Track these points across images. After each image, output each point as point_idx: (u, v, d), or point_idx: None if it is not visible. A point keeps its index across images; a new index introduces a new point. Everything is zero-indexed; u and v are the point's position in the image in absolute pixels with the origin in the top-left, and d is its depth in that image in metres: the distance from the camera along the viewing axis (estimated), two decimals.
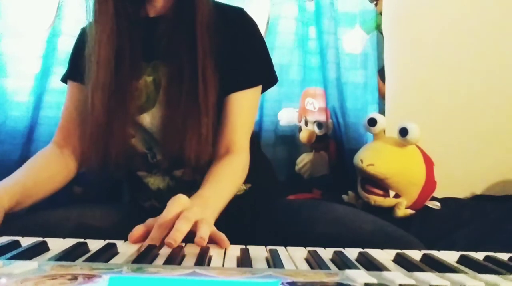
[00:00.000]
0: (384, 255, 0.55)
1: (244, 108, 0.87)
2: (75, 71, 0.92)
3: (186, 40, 0.83)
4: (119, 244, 0.56)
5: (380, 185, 1.29)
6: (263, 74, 0.92)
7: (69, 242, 0.55)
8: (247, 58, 0.88)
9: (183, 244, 0.57)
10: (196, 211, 0.60)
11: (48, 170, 0.85)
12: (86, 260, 0.47)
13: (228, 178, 0.79)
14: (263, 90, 0.93)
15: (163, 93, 0.85)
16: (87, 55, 0.84)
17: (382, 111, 1.48)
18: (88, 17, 0.85)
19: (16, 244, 0.53)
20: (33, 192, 0.79)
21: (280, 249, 0.55)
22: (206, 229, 0.57)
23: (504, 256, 0.54)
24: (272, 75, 0.93)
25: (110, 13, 0.82)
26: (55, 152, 0.89)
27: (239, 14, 0.91)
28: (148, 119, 0.86)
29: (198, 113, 0.81)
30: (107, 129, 0.83)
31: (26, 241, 0.55)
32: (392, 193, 1.30)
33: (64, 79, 0.96)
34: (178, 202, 0.61)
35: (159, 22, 0.86)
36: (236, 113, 0.86)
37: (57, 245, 0.54)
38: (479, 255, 0.54)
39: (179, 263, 0.49)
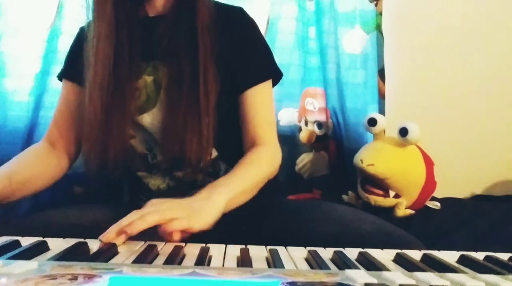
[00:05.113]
0: (384, 255, 0.55)
1: (260, 103, 0.87)
2: (71, 70, 0.92)
3: (186, 40, 0.83)
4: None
5: (380, 185, 1.29)
6: (271, 68, 0.93)
7: (69, 242, 0.55)
8: (251, 55, 0.89)
9: (183, 244, 0.57)
10: (161, 205, 0.62)
11: (38, 166, 0.85)
12: (86, 260, 0.47)
13: (245, 165, 0.79)
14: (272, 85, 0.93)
15: (164, 94, 0.85)
16: (86, 54, 0.84)
17: (382, 111, 1.48)
18: (88, 15, 0.85)
19: (16, 244, 0.53)
20: (20, 188, 0.79)
21: (280, 249, 0.55)
22: (147, 219, 0.58)
23: (504, 256, 0.54)
24: (277, 70, 0.94)
25: (109, 11, 0.82)
26: (46, 149, 0.90)
27: (239, 13, 0.92)
28: (148, 119, 0.86)
29: (199, 114, 0.81)
30: (106, 129, 0.83)
31: (26, 241, 0.55)
32: (392, 193, 1.30)
33: (60, 77, 0.96)
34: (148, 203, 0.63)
35: (158, 21, 0.86)
36: (254, 109, 0.87)
37: (57, 245, 0.54)
38: (479, 255, 0.54)
39: (179, 263, 0.49)
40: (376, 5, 1.49)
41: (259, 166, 0.81)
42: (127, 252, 0.54)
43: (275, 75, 0.93)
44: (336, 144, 1.50)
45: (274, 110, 0.93)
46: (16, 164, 0.83)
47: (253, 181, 0.77)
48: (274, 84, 0.94)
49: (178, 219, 0.60)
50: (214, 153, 0.87)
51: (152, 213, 0.59)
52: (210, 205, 0.66)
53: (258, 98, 0.88)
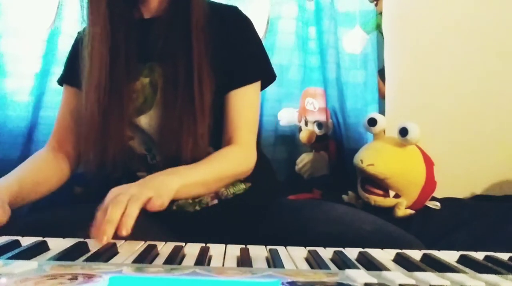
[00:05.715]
0: (384, 255, 0.55)
1: (243, 105, 0.87)
2: (70, 75, 0.92)
3: (181, 41, 0.83)
4: (119, 244, 0.56)
5: (380, 185, 1.29)
6: (261, 70, 0.92)
7: (69, 242, 0.55)
8: (243, 55, 0.88)
9: (183, 244, 0.57)
10: (129, 191, 0.62)
11: (44, 172, 0.85)
12: (86, 260, 0.47)
13: (210, 159, 0.80)
14: (263, 87, 0.93)
15: (160, 95, 0.85)
16: (82, 57, 0.84)
17: (382, 111, 1.48)
18: (83, 18, 0.85)
19: (16, 244, 0.53)
20: (29, 192, 0.80)
21: (280, 249, 0.55)
22: (132, 208, 0.58)
23: (504, 256, 0.54)
24: (270, 71, 0.93)
25: (102, 13, 0.82)
26: (50, 156, 0.90)
27: (233, 12, 0.92)
28: (145, 121, 0.86)
29: (194, 114, 0.81)
30: (104, 131, 0.83)
31: (26, 241, 0.55)
32: (392, 193, 1.29)
33: (60, 82, 0.97)
34: (112, 192, 0.63)
35: (154, 23, 0.86)
36: (236, 110, 0.86)
37: (57, 245, 0.54)
38: (479, 255, 0.54)
39: (179, 263, 0.49)
40: (376, 5, 1.49)
41: (224, 163, 0.81)
42: (127, 252, 0.54)
43: (266, 77, 0.93)
44: (336, 143, 1.50)
45: (258, 113, 0.92)
46: (24, 169, 0.83)
47: (213, 176, 0.78)
48: (267, 85, 0.94)
49: (152, 199, 0.61)
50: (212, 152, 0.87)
51: (131, 204, 0.59)
52: (167, 184, 0.68)
53: (243, 100, 0.87)
